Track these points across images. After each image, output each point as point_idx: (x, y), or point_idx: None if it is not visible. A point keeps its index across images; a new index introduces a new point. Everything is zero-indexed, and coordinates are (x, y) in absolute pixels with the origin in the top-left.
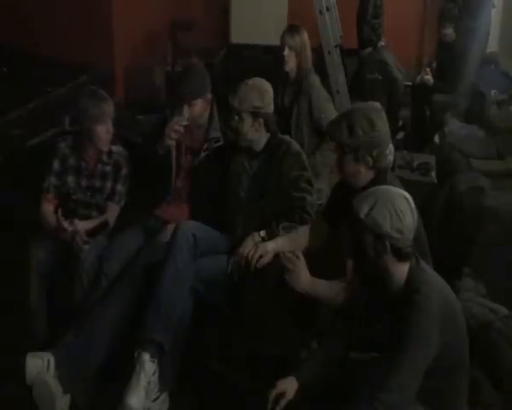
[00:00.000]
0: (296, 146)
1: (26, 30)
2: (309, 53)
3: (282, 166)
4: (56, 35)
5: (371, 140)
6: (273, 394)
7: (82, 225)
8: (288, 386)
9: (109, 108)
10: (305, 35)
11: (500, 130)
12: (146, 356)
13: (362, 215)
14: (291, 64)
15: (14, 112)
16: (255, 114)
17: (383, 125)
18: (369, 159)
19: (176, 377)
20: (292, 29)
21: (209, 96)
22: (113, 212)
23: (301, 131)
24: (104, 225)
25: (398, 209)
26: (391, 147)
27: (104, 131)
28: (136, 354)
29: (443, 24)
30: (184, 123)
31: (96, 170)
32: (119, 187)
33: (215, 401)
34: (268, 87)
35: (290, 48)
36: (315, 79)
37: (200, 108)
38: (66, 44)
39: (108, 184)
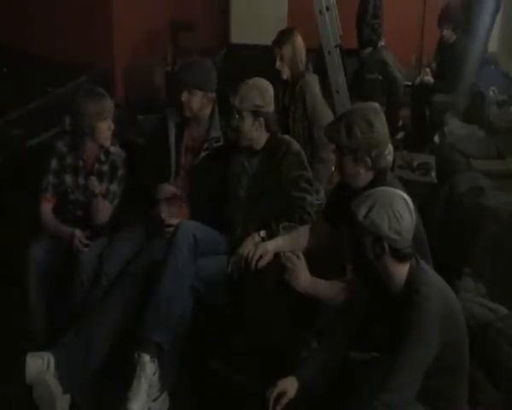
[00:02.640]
0: (296, 145)
1: (26, 30)
2: (302, 56)
3: (282, 166)
4: (56, 35)
5: (370, 141)
6: (274, 393)
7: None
8: (289, 386)
9: (109, 105)
10: (297, 39)
11: (500, 130)
12: (146, 358)
13: (360, 217)
14: (286, 72)
15: (14, 112)
16: (256, 113)
17: (382, 125)
18: (368, 159)
19: (176, 377)
20: (280, 39)
21: (211, 95)
22: (105, 210)
23: (295, 138)
24: (101, 228)
25: (397, 211)
26: (390, 147)
27: (106, 128)
28: (136, 356)
29: (443, 24)
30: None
31: (93, 169)
32: (114, 187)
33: (215, 401)
34: (269, 87)
35: (281, 59)
36: (311, 80)
37: (199, 100)
38: (66, 44)
39: (104, 185)
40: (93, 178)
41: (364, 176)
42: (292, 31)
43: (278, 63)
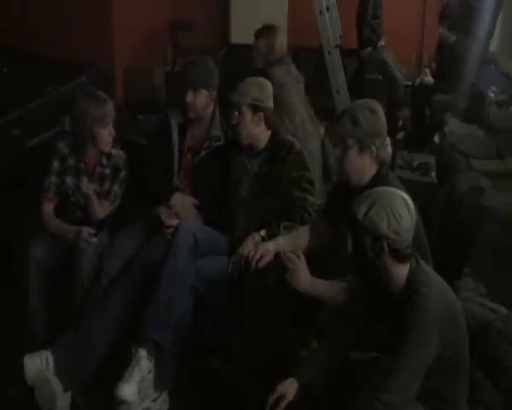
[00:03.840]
0: (298, 146)
1: (26, 30)
2: (278, 54)
3: (284, 166)
4: (56, 35)
5: (374, 126)
6: (273, 397)
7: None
8: (289, 388)
9: (111, 110)
10: (275, 37)
11: (500, 130)
12: (142, 352)
13: (360, 216)
14: (258, 63)
15: (14, 112)
16: (255, 108)
17: (382, 113)
18: (373, 147)
19: (175, 377)
20: (258, 32)
21: (214, 93)
22: (103, 210)
23: None
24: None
25: (396, 211)
26: (388, 139)
27: (107, 134)
28: (133, 350)
29: (441, 24)
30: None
31: (94, 172)
32: (116, 188)
33: (215, 401)
34: (267, 83)
35: (256, 51)
36: (276, 70)
37: (204, 99)
38: (66, 44)
39: (106, 188)
40: (84, 179)
41: (369, 168)
42: (271, 28)
43: (254, 53)
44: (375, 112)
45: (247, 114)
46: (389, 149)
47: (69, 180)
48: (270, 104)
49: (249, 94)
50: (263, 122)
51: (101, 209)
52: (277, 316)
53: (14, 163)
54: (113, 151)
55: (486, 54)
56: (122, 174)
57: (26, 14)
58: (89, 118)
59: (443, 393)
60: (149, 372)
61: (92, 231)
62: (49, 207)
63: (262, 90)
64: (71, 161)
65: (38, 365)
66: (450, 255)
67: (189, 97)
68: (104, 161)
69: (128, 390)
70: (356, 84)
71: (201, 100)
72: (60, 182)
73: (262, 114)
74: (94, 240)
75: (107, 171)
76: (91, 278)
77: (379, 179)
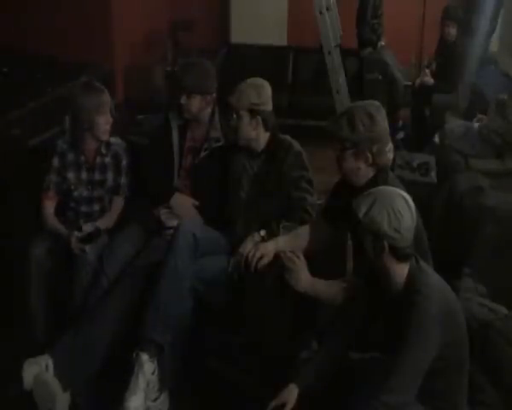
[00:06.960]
0: (297, 146)
1: (26, 30)
2: None
3: (283, 167)
4: (56, 35)
5: (371, 134)
6: (274, 404)
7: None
8: (290, 396)
9: (107, 98)
10: None
11: (499, 129)
12: (144, 356)
13: (360, 215)
14: None
15: (14, 112)
16: (253, 112)
17: (383, 120)
18: (369, 155)
19: (176, 377)
20: None
21: (210, 97)
22: (117, 205)
23: None
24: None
25: (397, 209)
26: (390, 145)
27: (104, 122)
28: (134, 355)
29: (446, 23)
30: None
31: (95, 163)
32: (122, 179)
33: (215, 401)
34: (266, 85)
35: None
36: None
37: (197, 103)
38: (66, 44)
39: (108, 176)
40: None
41: (365, 172)
42: None
43: None
44: (373, 117)
45: (245, 118)
46: (389, 156)
47: (70, 175)
48: (269, 107)
49: (247, 98)
50: (261, 125)
51: (115, 207)
52: (277, 316)
53: (14, 163)
54: (112, 139)
55: (486, 54)
56: (124, 162)
57: (25, 14)
58: (86, 107)
59: (443, 393)
60: (153, 373)
61: (83, 246)
62: (49, 206)
63: (260, 93)
64: (71, 156)
65: (36, 369)
66: (451, 255)
67: (183, 100)
68: (103, 149)
69: (135, 403)
70: (356, 84)
71: (195, 104)
72: (60, 180)
73: (260, 118)
74: (81, 254)
75: (108, 159)
76: (91, 279)
77: (379, 181)
